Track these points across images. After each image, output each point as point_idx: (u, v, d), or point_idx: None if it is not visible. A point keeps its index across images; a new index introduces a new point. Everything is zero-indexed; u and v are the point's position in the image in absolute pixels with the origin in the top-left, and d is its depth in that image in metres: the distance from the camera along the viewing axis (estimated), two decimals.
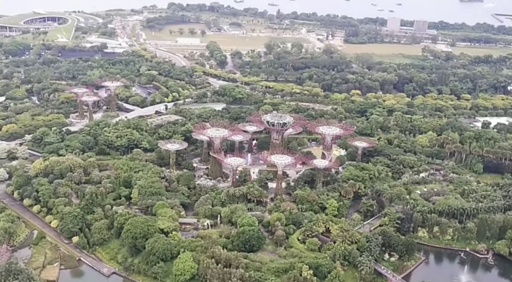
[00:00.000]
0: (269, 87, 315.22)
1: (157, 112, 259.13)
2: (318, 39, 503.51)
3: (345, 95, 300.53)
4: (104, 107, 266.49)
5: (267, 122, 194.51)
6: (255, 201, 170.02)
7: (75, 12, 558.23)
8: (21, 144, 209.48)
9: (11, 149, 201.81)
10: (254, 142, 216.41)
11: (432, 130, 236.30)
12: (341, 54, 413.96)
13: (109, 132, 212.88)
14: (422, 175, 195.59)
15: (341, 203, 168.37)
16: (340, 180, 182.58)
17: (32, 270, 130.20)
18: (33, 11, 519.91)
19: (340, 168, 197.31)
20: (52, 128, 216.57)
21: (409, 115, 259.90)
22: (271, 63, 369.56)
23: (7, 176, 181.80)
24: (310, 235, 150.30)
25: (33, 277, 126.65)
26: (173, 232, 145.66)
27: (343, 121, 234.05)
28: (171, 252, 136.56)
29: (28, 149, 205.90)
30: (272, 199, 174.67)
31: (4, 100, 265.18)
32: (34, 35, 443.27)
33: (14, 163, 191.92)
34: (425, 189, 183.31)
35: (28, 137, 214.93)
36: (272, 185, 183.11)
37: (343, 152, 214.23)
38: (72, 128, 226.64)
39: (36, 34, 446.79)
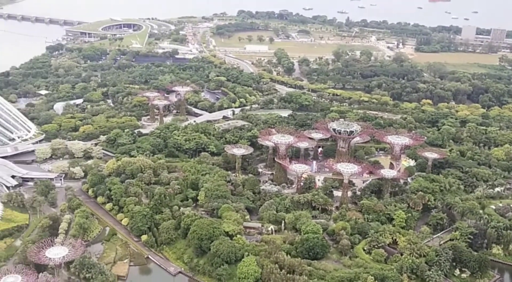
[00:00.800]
0: (337, 95, 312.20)
1: (224, 118, 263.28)
2: (388, 47, 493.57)
3: (415, 104, 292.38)
4: (174, 111, 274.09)
5: (334, 130, 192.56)
6: (319, 209, 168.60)
7: (149, 19, 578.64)
8: (96, 144, 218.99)
9: (87, 148, 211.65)
10: (320, 149, 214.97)
11: (509, 143, 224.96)
12: (412, 63, 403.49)
13: (178, 136, 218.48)
14: (497, 189, 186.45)
15: (409, 214, 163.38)
16: (408, 191, 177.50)
17: (104, 265, 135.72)
18: (110, 18, 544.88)
19: (409, 179, 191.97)
20: (125, 130, 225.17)
21: (484, 127, 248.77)
22: (339, 71, 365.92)
23: (83, 174, 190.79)
24: (376, 246, 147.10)
25: (105, 271, 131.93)
26: (238, 235, 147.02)
27: (413, 131, 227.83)
28: (235, 255, 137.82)
29: (103, 149, 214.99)
30: (337, 208, 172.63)
31: (82, 102, 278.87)
32: (110, 41, 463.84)
33: (90, 162, 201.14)
34: (501, 204, 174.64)
35: (102, 138, 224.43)
36: (337, 193, 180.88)
37: (412, 163, 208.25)
38: (144, 131, 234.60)
39: (113, 40, 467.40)
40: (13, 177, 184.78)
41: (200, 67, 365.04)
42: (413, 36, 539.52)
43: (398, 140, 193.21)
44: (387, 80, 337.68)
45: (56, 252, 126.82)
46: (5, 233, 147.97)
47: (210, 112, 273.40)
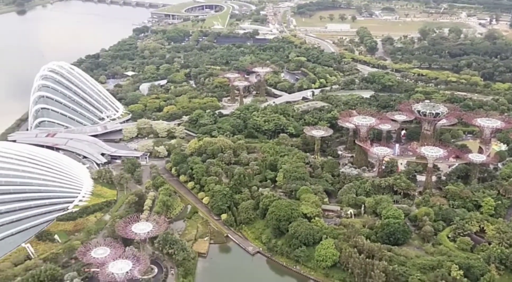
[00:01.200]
0: (422, 75, 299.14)
1: (304, 99, 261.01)
2: (480, 24, 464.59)
3: (508, 85, 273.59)
4: (254, 92, 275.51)
5: (418, 111, 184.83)
6: (401, 193, 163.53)
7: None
8: (179, 124, 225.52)
9: (171, 128, 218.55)
10: (403, 131, 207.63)
11: None
12: (506, 40, 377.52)
13: (258, 117, 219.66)
14: None
15: (499, 202, 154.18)
16: (499, 177, 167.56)
17: (185, 242, 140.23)
18: (193, 0, 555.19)
19: (499, 164, 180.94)
20: (206, 111, 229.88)
21: None
22: (425, 50, 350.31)
23: (166, 153, 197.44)
24: (461, 234, 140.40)
25: (186, 248, 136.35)
26: (316, 218, 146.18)
27: (505, 114, 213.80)
28: (313, 237, 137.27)
29: (185, 129, 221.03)
30: (420, 193, 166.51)
31: (166, 83, 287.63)
32: (193, 23, 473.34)
33: (173, 141, 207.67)
34: None
35: (185, 118, 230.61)
36: (421, 178, 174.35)
37: (503, 147, 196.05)
38: (224, 111, 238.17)
39: (195, 22, 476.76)
40: (102, 154, 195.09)
41: (280, 48, 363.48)
42: (508, 11, 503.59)
43: (489, 123, 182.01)
44: (478, 59, 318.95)
45: (142, 228, 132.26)
46: (95, 207, 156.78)
47: (289, 93, 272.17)
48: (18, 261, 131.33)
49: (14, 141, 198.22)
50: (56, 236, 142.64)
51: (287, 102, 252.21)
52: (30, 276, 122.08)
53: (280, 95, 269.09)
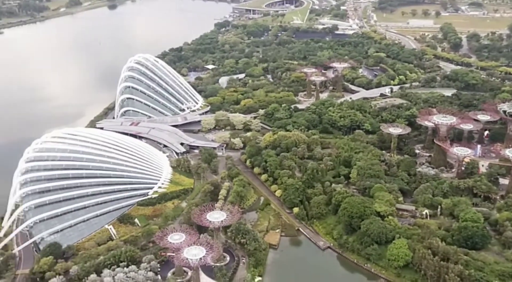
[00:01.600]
0: (510, 74, 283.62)
1: (381, 95, 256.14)
2: None
3: None
4: (331, 87, 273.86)
5: (504, 112, 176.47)
6: (481, 196, 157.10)
7: None
8: (255, 117, 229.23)
9: (247, 121, 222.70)
10: (486, 132, 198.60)
11: None
12: None
13: (333, 112, 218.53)
14: None
15: None
16: None
17: (257, 232, 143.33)
18: None
19: None
20: (282, 105, 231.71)
21: None
22: None
23: (242, 145, 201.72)
24: None
25: (258, 238, 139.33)
26: (389, 217, 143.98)
27: None
28: (386, 236, 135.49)
29: (261, 122, 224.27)
30: (502, 196, 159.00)
31: (244, 77, 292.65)
32: (273, 17, 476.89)
33: (248, 134, 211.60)
34: None
35: (261, 111, 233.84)
36: (503, 181, 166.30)
37: None
38: (300, 106, 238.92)
39: (275, 17, 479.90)
40: (182, 144, 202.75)
41: (359, 43, 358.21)
42: None
43: None
44: None
45: (216, 216, 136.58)
46: (173, 194, 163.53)
47: (367, 89, 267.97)
48: (101, 241, 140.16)
49: (102, 128, 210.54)
50: (136, 220, 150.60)
51: (364, 98, 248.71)
52: (111, 256, 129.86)
53: (357, 91, 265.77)
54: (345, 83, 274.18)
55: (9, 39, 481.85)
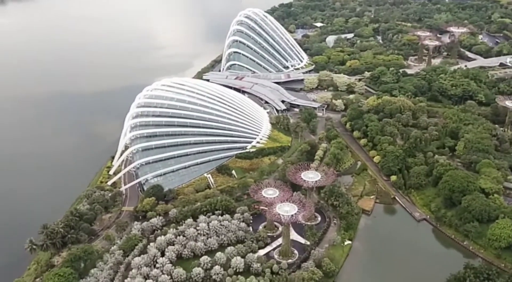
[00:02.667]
0: None
1: (501, 65, 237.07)
2: None
3: None
4: (445, 53, 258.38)
5: None
6: None
7: None
8: (359, 80, 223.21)
9: (351, 83, 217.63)
10: None
11: None
12: None
13: (445, 80, 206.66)
14: None
15: None
16: None
17: (351, 196, 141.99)
18: None
19: None
20: (390, 69, 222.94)
21: None
22: None
23: (343, 107, 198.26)
24: None
25: (351, 203, 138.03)
26: (495, 195, 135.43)
27: None
28: (488, 214, 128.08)
29: (365, 85, 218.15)
30: None
31: (353, 37, 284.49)
32: None
33: (351, 96, 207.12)
34: None
35: (367, 74, 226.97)
36: None
37: None
38: (409, 71, 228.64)
39: None
40: (283, 101, 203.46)
41: (483, 7, 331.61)
42: None
43: None
44: None
45: (311, 176, 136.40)
46: (270, 150, 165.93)
47: (485, 57, 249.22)
48: (199, 188, 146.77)
49: (208, 80, 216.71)
50: (233, 172, 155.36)
51: (481, 67, 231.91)
52: (208, 203, 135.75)
53: (473, 59, 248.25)
54: (462, 49, 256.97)
55: None
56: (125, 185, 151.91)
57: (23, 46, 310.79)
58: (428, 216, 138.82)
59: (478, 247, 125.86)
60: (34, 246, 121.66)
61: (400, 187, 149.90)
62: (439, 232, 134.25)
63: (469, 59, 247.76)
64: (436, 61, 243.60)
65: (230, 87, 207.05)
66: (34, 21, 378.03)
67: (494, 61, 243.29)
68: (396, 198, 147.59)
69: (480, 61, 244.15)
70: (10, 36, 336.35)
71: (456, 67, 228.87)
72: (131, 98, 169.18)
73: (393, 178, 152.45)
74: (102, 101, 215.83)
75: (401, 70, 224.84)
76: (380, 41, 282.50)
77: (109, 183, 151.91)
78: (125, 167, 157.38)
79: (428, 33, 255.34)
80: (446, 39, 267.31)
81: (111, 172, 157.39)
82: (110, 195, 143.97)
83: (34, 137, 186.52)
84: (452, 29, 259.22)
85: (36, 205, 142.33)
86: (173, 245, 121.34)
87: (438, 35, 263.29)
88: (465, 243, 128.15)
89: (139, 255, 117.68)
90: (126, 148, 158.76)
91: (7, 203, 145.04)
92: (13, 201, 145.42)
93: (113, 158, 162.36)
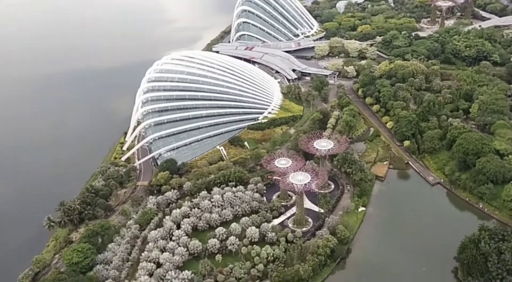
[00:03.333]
0: None
1: None
2: None
3: None
4: (458, 14, 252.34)
5: None
6: None
7: None
8: (371, 45, 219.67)
9: (362, 48, 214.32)
10: None
11: None
12: None
13: (458, 41, 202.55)
14: None
15: None
16: None
17: (364, 163, 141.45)
18: None
19: None
20: (402, 32, 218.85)
21: None
22: None
23: (355, 73, 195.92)
24: None
25: (365, 169, 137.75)
26: (510, 156, 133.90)
27: None
28: (503, 176, 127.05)
29: (377, 50, 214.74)
30: None
31: (363, 1, 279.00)
32: None
33: (363, 62, 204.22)
34: None
35: (378, 39, 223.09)
36: None
37: None
38: (421, 34, 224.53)
39: None
40: (293, 70, 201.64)
41: None
42: None
43: None
44: None
45: (323, 144, 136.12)
46: (282, 120, 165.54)
47: (500, 16, 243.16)
48: (212, 160, 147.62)
49: (217, 52, 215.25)
50: (245, 143, 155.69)
51: (496, 26, 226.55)
52: (221, 175, 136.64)
53: (488, 19, 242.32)
54: (475, 9, 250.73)
55: None
56: (138, 160, 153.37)
57: (36, 25, 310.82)
58: (442, 180, 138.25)
59: (493, 208, 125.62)
60: (52, 223, 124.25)
61: (413, 152, 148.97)
62: (453, 195, 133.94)
63: (483, 19, 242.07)
64: (449, 23, 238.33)
65: (240, 58, 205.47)
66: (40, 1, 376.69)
67: (509, 19, 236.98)
68: (410, 163, 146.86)
69: (495, 20, 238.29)
70: (22, 15, 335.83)
71: (470, 27, 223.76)
72: (142, 73, 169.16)
73: (407, 143, 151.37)
74: (113, 77, 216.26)
75: (413, 34, 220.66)
76: (392, 4, 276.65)
77: (123, 158, 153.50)
78: (138, 142, 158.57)
79: None
80: None
81: (124, 148, 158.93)
82: (124, 170, 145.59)
83: (47, 114, 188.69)
84: None
85: (53, 182, 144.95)
86: (188, 217, 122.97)
87: None
88: (479, 205, 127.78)
89: (155, 229, 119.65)
90: (139, 123, 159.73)
91: (24, 180, 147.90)
92: (30, 178, 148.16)
93: (126, 133, 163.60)
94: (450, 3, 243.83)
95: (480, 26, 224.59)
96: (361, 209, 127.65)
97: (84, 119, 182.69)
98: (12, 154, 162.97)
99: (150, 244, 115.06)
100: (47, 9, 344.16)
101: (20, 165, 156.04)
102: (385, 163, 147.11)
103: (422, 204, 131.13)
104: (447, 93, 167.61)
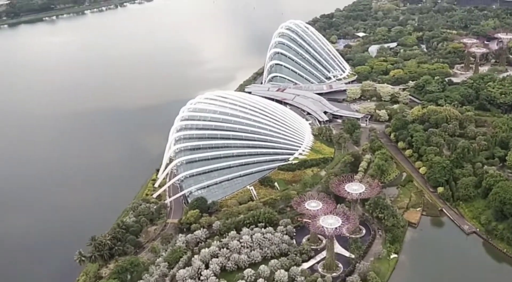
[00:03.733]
0: None
1: None
2: None
3: None
4: (493, 60, 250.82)
5: None
6: None
7: None
8: (404, 89, 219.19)
9: (395, 92, 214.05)
10: None
11: None
12: None
13: (493, 88, 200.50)
14: None
15: None
16: None
17: (396, 209, 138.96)
18: None
19: None
20: (435, 77, 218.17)
21: None
22: None
23: (387, 117, 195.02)
24: None
25: (397, 215, 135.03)
26: None
27: None
28: None
29: (410, 94, 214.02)
30: None
31: (396, 46, 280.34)
32: None
33: (395, 106, 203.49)
34: None
35: (411, 83, 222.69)
36: None
37: None
38: (455, 79, 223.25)
39: None
40: (325, 112, 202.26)
41: None
42: None
43: None
44: None
45: (354, 188, 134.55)
46: (313, 162, 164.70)
47: None
48: (242, 200, 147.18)
49: (250, 92, 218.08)
50: (276, 184, 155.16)
51: None
52: (251, 215, 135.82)
53: None
54: (510, 56, 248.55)
55: (174, 3, 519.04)
56: (169, 197, 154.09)
57: (71, 64, 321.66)
58: (478, 229, 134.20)
59: None
60: (83, 258, 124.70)
61: (447, 199, 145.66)
62: (490, 245, 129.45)
63: None
64: (483, 69, 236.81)
65: (272, 99, 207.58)
66: (78, 40, 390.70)
67: None
68: (444, 210, 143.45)
69: None
70: (60, 55, 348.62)
71: (505, 74, 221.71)
72: (175, 112, 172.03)
73: (440, 189, 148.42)
74: (148, 115, 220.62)
75: (446, 79, 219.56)
76: (425, 49, 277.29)
77: (154, 195, 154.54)
78: (170, 179, 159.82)
79: (474, 40, 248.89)
80: (493, 46, 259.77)
81: (156, 185, 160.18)
82: (155, 207, 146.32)
83: (83, 151, 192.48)
84: (500, 35, 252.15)
85: (85, 217, 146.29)
86: (217, 257, 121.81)
87: (485, 42, 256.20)
88: None
89: (184, 267, 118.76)
90: (171, 160, 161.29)
91: (58, 215, 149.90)
92: (64, 214, 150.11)
93: (158, 170, 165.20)
94: (484, 50, 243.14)
95: None
96: (393, 256, 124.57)
97: (118, 157, 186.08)
98: (47, 190, 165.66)
99: None
100: (89, 48, 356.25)
101: (54, 201, 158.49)
102: (418, 209, 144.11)
103: (457, 253, 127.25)
104: (482, 140, 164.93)
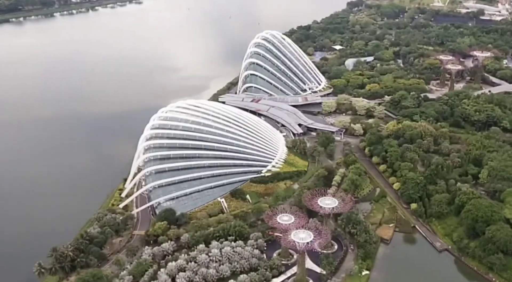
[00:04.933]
0: None
1: None
2: None
3: None
4: (468, 78, 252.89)
5: None
6: None
7: None
8: (379, 104, 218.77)
9: (370, 107, 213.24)
10: None
11: None
12: None
13: (468, 105, 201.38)
14: None
15: None
16: None
17: (369, 224, 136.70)
18: None
19: None
20: (411, 93, 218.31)
21: None
22: None
23: (362, 131, 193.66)
24: None
25: (370, 231, 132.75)
26: None
27: None
28: None
29: (385, 109, 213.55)
30: None
31: (373, 60, 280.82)
32: None
33: (370, 120, 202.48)
34: None
35: (387, 98, 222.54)
36: None
37: None
38: (430, 95, 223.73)
39: None
40: (299, 125, 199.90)
41: (507, 31, 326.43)
42: None
43: None
44: None
45: (327, 202, 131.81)
46: (286, 175, 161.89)
47: (510, 83, 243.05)
48: (213, 213, 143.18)
49: (224, 102, 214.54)
50: (248, 196, 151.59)
51: (506, 92, 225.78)
52: (221, 228, 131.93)
53: (498, 84, 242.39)
54: (486, 74, 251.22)
55: (148, 9, 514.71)
56: (137, 208, 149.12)
57: (36, 68, 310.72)
58: (450, 246, 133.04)
59: (503, 280, 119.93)
60: (43, 270, 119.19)
61: (420, 215, 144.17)
62: (461, 263, 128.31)
63: (493, 84, 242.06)
64: (459, 86, 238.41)
65: (246, 110, 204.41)
66: (48, 42, 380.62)
67: None
68: (416, 226, 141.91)
69: (505, 87, 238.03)
70: (24, 58, 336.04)
71: (479, 92, 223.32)
72: (146, 120, 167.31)
73: (413, 205, 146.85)
74: (118, 123, 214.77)
75: (422, 95, 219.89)
76: (401, 64, 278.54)
77: (121, 205, 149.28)
78: (138, 189, 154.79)
79: (450, 57, 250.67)
80: (469, 63, 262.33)
81: (123, 195, 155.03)
82: (121, 218, 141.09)
83: (47, 159, 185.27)
84: (475, 53, 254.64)
85: (47, 227, 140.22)
86: (184, 271, 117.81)
87: (461, 60, 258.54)
88: (489, 275, 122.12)
89: (149, 281, 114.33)
90: (139, 170, 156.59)
91: (18, 225, 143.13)
92: (24, 223, 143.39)
93: (125, 180, 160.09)
94: (460, 67, 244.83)
95: (489, 91, 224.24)
96: (364, 272, 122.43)
97: (85, 165, 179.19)
98: (6, 199, 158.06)
99: None
100: (54, 53, 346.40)
101: (15, 208, 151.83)
102: (391, 225, 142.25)
103: (429, 271, 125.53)
104: (456, 157, 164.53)
